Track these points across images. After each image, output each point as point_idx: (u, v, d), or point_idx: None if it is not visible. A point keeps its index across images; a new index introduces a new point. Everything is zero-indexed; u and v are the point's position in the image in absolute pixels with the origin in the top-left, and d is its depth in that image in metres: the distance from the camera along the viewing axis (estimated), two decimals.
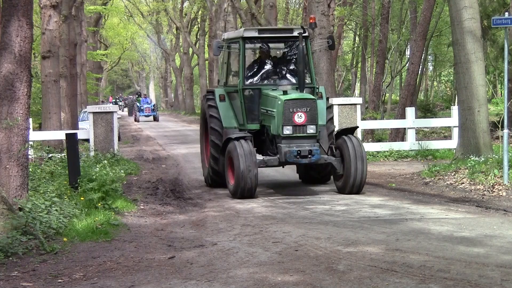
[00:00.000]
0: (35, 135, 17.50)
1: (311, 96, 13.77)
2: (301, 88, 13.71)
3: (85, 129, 19.86)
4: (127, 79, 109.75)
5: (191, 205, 13.06)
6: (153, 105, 55.89)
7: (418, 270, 7.70)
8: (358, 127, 15.90)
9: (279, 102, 13.42)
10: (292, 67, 14.78)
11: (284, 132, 13.38)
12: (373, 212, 11.62)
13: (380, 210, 11.84)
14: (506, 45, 14.02)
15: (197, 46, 59.18)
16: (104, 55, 51.06)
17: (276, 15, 34.15)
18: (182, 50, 64.66)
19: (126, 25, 66.12)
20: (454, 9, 15.43)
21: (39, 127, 22.54)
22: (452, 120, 19.43)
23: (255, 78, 14.72)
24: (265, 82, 14.69)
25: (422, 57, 30.03)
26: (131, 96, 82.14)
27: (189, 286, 7.37)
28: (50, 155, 16.12)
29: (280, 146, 13.47)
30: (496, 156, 14.43)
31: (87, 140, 19.31)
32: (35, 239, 9.05)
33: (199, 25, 60.93)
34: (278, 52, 15.56)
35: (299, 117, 13.36)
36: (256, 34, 14.62)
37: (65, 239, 9.48)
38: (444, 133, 29.07)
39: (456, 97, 20.68)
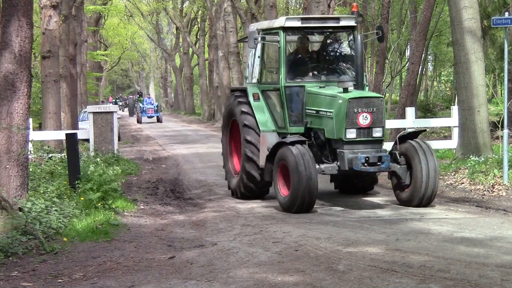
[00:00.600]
0: (35, 135, 17.50)
1: (378, 95, 12.36)
2: (359, 85, 12.14)
3: (85, 129, 19.86)
4: (127, 79, 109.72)
5: (191, 205, 13.06)
6: (156, 106, 53.72)
7: (418, 270, 7.70)
8: (425, 130, 14.26)
9: (340, 101, 11.75)
10: (340, 61, 13.39)
11: (347, 136, 11.70)
12: (373, 212, 11.62)
13: (380, 210, 11.84)
14: (506, 45, 14.01)
15: (197, 46, 59.18)
16: (104, 55, 51.03)
17: (276, 15, 34.11)
18: (182, 50, 64.66)
19: (126, 25, 66.14)
20: (454, 9, 15.43)
21: (39, 127, 22.53)
22: (452, 120, 19.42)
23: (299, 74, 12.96)
24: (310, 78, 12.96)
25: (422, 57, 30.03)
26: (132, 96, 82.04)
27: (189, 286, 7.37)
28: (50, 155, 16.11)
29: (342, 152, 11.75)
30: (496, 156, 14.43)
31: (87, 140, 19.30)
32: (35, 239, 9.05)
33: (199, 25, 60.92)
34: (323, 44, 13.69)
35: (364, 119, 11.71)
36: (299, 24, 12.87)
37: (65, 239, 9.48)
38: (444, 133, 29.05)
39: (456, 97, 20.68)
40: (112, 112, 18.96)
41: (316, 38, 13.62)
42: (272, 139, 12.74)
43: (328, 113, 12.03)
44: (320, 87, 12.59)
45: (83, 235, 9.82)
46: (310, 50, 13.43)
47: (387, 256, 8.39)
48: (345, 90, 11.90)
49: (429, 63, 53.64)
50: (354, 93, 11.87)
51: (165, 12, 61.08)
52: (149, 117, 52.36)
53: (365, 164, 11.56)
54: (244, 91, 13.43)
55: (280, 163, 11.93)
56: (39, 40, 21.16)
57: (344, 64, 13.29)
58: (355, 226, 10.41)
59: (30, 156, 13.07)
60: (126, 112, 75.26)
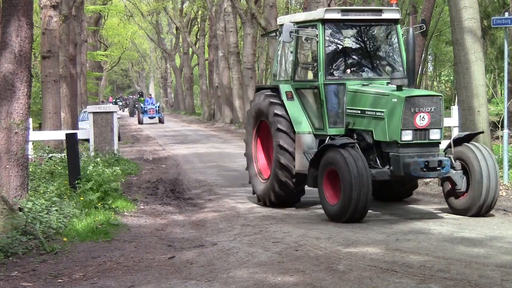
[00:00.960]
0: (35, 135, 17.50)
1: (436, 93, 11.36)
2: (411, 83, 11.08)
3: (85, 129, 19.86)
4: (127, 79, 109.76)
5: (191, 205, 13.06)
6: (158, 106, 51.71)
7: (418, 270, 7.69)
8: (483, 132, 13.15)
9: (394, 100, 10.77)
10: (383, 56, 12.48)
11: (403, 138, 10.68)
12: (373, 212, 11.61)
13: (380, 210, 11.84)
14: (506, 45, 14.02)
15: (197, 46, 59.19)
16: (104, 55, 51.00)
17: (276, 15, 34.12)
18: (182, 50, 64.68)
19: (126, 25, 66.15)
20: (454, 9, 15.41)
21: (39, 127, 22.53)
22: (452, 120, 19.40)
23: (338, 71, 12.07)
24: (350, 75, 12.03)
25: (422, 57, 30.02)
26: (132, 96, 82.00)
27: (189, 286, 7.37)
28: (50, 155, 16.12)
29: (396, 156, 10.76)
30: (496, 156, 14.42)
31: (87, 140, 19.30)
32: (35, 239, 9.05)
33: (199, 25, 60.93)
34: (364, 38, 12.65)
35: (422, 119, 10.73)
36: (339, 16, 11.90)
37: (65, 239, 9.48)
38: (444, 133, 29.07)
39: (456, 97, 20.66)
40: (112, 112, 18.96)
41: (357, 31, 12.46)
42: (308, 141, 11.90)
43: (378, 113, 11.07)
44: (363, 84, 11.69)
45: (83, 235, 9.82)
46: (350, 45, 12.40)
47: (387, 256, 8.39)
48: (399, 88, 10.90)
49: (429, 63, 53.66)
50: (410, 91, 10.89)
51: (165, 12, 61.09)
52: (150, 117, 50.74)
53: (424, 169, 10.60)
54: (275, 90, 12.45)
55: (328, 168, 10.90)
56: (39, 40, 21.17)
57: (387, 60, 12.40)
58: (355, 226, 10.40)
59: (30, 156, 13.06)
60: (126, 112, 75.24)
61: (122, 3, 60.40)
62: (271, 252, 8.79)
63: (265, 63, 61.35)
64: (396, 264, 7.98)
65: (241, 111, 39.47)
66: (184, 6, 61.34)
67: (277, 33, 13.16)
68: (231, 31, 40.91)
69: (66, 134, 13.59)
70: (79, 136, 15.70)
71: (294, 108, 12.13)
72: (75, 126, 22.25)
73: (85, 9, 36.84)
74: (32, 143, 16.73)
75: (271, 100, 12.24)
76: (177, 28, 63.91)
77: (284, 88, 12.28)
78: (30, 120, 12.07)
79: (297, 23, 12.13)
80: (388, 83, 11.56)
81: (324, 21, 11.81)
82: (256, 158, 13.09)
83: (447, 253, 8.53)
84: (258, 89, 13.18)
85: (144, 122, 49.91)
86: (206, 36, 56.91)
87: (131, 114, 66.55)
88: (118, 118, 21.08)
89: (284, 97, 12.16)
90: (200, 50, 57.89)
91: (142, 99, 58.37)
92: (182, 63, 65.86)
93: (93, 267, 8.24)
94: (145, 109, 51.17)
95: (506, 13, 14.26)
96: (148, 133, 37.86)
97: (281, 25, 12.31)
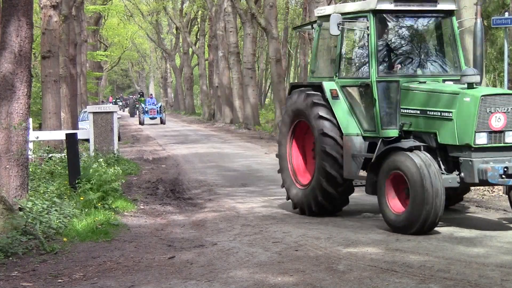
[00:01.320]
0: (35, 135, 17.49)
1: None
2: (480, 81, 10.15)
3: (85, 129, 19.87)
4: (127, 79, 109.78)
5: (191, 205, 13.06)
6: (160, 107, 49.95)
7: (418, 270, 7.70)
8: None
9: (467, 99, 9.71)
10: (439, 51, 11.48)
11: (477, 142, 9.61)
12: (373, 212, 11.61)
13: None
14: (506, 45, 14.00)
15: (197, 46, 59.21)
16: (104, 55, 51.00)
17: (276, 15, 34.18)
18: (182, 50, 64.70)
19: (126, 25, 66.19)
20: None
21: (39, 127, 22.54)
22: None
23: (391, 67, 11.11)
24: (403, 71, 11.07)
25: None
26: (132, 96, 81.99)
27: (189, 286, 7.37)
28: (50, 155, 16.12)
29: (469, 161, 9.65)
30: None
31: (87, 140, 19.31)
32: (35, 239, 9.05)
33: (199, 25, 60.95)
34: (418, 31, 11.70)
35: (497, 121, 9.64)
36: (392, 7, 10.86)
37: (65, 239, 9.48)
38: None
39: None
40: (112, 112, 18.96)
41: (410, 23, 11.52)
42: (357, 144, 10.90)
43: (445, 114, 9.99)
44: (420, 82, 10.73)
45: (83, 235, 9.82)
46: (402, 39, 11.50)
47: (387, 256, 8.39)
48: (470, 86, 9.87)
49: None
50: (485, 89, 9.95)
51: (165, 12, 61.11)
52: (151, 118, 49.03)
53: (503, 176, 9.48)
54: (317, 88, 11.34)
55: (392, 174, 9.86)
56: (39, 40, 21.17)
57: (442, 56, 11.42)
58: (355, 226, 10.41)
59: (30, 156, 13.06)
60: (126, 112, 75.20)
61: (122, 3, 60.40)
62: (271, 252, 8.79)
63: (265, 63, 61.39)
64: (396, 264, 7.98)
65: (241, 111, 39.48)
66: (184, 6, 61.36)
67: (314, 25, 12.24)
68: (231, 31, 40.92)
69: (66, 134, 13.60)
70: (79, 136, 15.70)
71: (340, 107, 11.08)
72: (75, 126, 22.25)
73: (85, 9, 36.85)
74: (33, 144, 16.74)
75: (314, 101, 11.15)
76: (177, 28, 63.93)
77: (328, 85, 11.18)
78: (30, 120, 12.07)
79: (343, 14, 10.98)
80: (444, 81, 10.81)
81: (375, 12, 10.75)
82: (291, 161, 12.07)
83: (447, 253, 8.53)
84: (294, 87, 12.05)
85: (145, 123, 48.60)
86: (206, 36, 56.90)
87: (132, 114, 66.42)
88: (118, 118, 21.09)
89: (328, 96, 11.10)
90: (200, 50, 57.91)
91: (142, 99, 57.29)
92: (182, 63, 65.88)
93: (93, 267, 8.24)
94: (146, 109, 49.68)
95: (506, 13, 14.25)
96: (148, 133, 37.87)
97: (320, 17, 11.62)
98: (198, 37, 60.73)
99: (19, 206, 9.74)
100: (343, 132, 10.97)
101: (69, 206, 10.92)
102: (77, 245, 9.36)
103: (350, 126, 11.00)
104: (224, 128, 40.05)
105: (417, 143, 9.97)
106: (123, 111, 79.34)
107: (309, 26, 13.30)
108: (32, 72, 11.65)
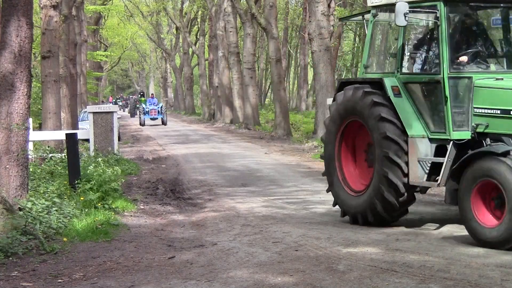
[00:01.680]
0: (35, 135, 17.50)
1: None
2: None
3: (85, 129, 19.88)
4: (127, 79, 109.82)
5: (191, 205, 13.06)
6: (161, 107, 48.41)
7: (418, 270, 7.70)
8: None
9: None
10: None
11: None
12: None
13: None
14: None
15: (197, 46, 59.23)
16: (104, 55, 51.01)
17: (276, 15, 34.19)
18: (182, 50, 64.73)
19: (126, 25, 66.22)
20: None
21: (39, 127, 22.54)
22: None
23: (464, 62, 9.94)
24: (476, 67, 9.98)
25: None
26: (132, 96, 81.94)
27: (189, 286, 7.37)
28: (50, 155, 16.13)
29: None
30: None
31: (87, 140, 19.32)
32: (35, 239, 9.05)
33: (199, 25, 60.96)
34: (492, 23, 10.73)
35: None
36: None
37: (65, 239, 9.48)
38: None
39: None
40: (112, 112, 18.97)
41: (483, 13, 10.65)
42: (423, 147, 9.88)
43: None
44: (497, 79, 9.71)
45: (83, 235, 9.82)
46: (475, 31, 10.41)
47: (387, 256, 8.39)
48: None
49: None
50: None
51: (165, 12, 61.14)
52: (152, 119, 47.71)
53: None
54: (376, 85, 10.30)
55: (481, 182, 8.78)
56: (39, 40, 21.18)
57: None
58: (355, 226, 10.40)
59: (30, 156, 13.07)
60: (126, 112, 75.17)
61: (122, 3, 60.44)
62: (271, 252, 8.79)
63: (265, 63, 61.40)
64: (396, 264, 7.98)
65: (241, 111, 39.49)
66: (184, 6, 61.39)
67: (367, 16, 11.17)
68: (231, 31, 40.93)
69: (66, 134, 13.60)
70: (79, 136, 15.70)
71: (403, 106, 10.01)
72: (75, 126, 22.25)
73: (85, 9, 36.87)
74: (33, 144, 16.74)
75: (375, 100, 10.04)
76: (177, 28, 63.95)
77: (389, 82, 10.15)
78: (30, 120, 12.08)
79: (410, 3, 9.81)
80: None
81: (446, 1, 9.75)
82: (339, 164, 10.98)
83: (447, 253, 8.53)
84: (343, 84, 10.94)
85: (146, 124, 47.21)
86: (206, 36, 56.92)
87: (132, 114, 66.22)
88: (118, 118, 21.10)
89: (390, 94, 10.03)
90: (200, 50, 57.93)
91: (143, 99, 55.80)
92: (182, 63, 65.91)
93: (93, 267, 8.24)
94: (147, 110, 48.21)
95: None
96: (148, 133, 37.88)
97: (375, 7, 10.74)
98: (198, 37, 60.76)
99: (19, 206, 9.74)
100: (407, 133, 9.88)
101: (69, 206, 10.93)
102: (77, 245, 9.36)
103: (415, 127, 9.92)
104: (224, 128, 40.06)
105: (510, 148, 8.87)
106: (123, 111, 79.32)
107: (359, 17, 12.12)
108: (32, 72, 11.66)
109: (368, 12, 11.14)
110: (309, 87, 54.33)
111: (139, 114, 49.39)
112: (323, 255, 8.52)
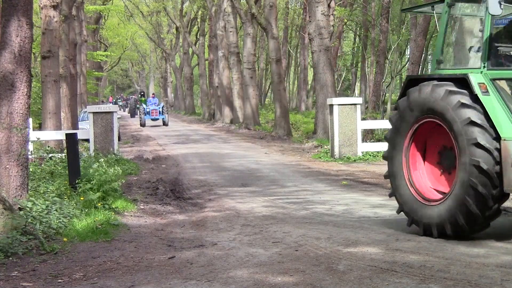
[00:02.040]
0: (35, 135, 17.50)
1: None
2: None
3: (85, 129, 19.89)
4: (127, 79, 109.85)
5: (191, 205, 13.06)
6: (162, 107, 47.44)
7: (418, 270, 7.69)
8: None
9: None
10: None
11: None
12: (373, 212, 11.62)
13: (380, 210, 11.83)
14: None
15: (197, 46, 59.26)
16: (104, 55, 51.03)
17: (276, 14, 34.18)
18: (182, 50, 64.74)
19: (126, 25, 66.25)
20: None
21: (39, 127, 22.55)
22: None
23: None
24: None
25: (422, 57, 30.04)
26: (133, 96, 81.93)
27: (189, 286, 7.37)
28: (50, 155, 16.13)
29: None
30: None
31: (87, 140, 19.33)
32: (35, 239, 9.05)
33: (199, 25, 61.00)
34: None
35: None
36: None
37: (65, 239, 9.48)
38: None
39: None
40: (112, 112, 18.99)
41: None
42: None
43: None
44: None
45: (83, 235, 9.82)
46: None
47: (387, 256, 8.39)
48: None
49: (429, 63, 53.67)
50: None
51: (165, 12, 61.16)
52: (153, 119, 47.00)
53: None
54: (457, 81, 9.12)
55: None
56: (39, 40, 21.19)
57: None
58: (355, 226, 10.41)
59: (30, 156, 13.07)
60: (126, 112, 75.17)
61: (122, 3, 60.45)
62: (271, 252, 8.79)
63: (265, 63, 61.40)
64: (396, 264, 7.98)
65: (241, 111, 39.51)
66: (184, 6, 61.41)
67: (441, 6, 10.10)
68: (231, 31, 40.95)
69: (66, 134, 13.59)
70: (79, 136, 15.71)
71: (493, 105, 8.83)
72: (75, 126, 22.26)
73: (85, 9, 36.88)
74: (33, 144, 16.74)
75: (462, 101, 8.85)
76: (177, 28, 63.98)
77: (476, 78, 8.94)
78: (30, 120, 12.08)
79: None
80: None
81: None
82: (408, 167, 9.81)
83: (447, 253, 8.53)
84: (413, 80, 9.81)
85: (146, 125, 46.43)
86: (206, 36, 56.97)
87: (132, 114, 66.20)
88: (118, 118, 21.10)
89: (478, 92, 8.83)
90: (200, 50, 57.96)
91: (143, 99, 54.68)
92: (182, 63, 65.94)
93: (93, 267, 8.24)
94: (148, 110, 47.39)
95: None
96: (148, 133, 37.88)
97: None
98: (198, 37, 60.80)
99: (19, 206, 9.74)
100: (500, 135, 8.69)
101: (69, 206, 10.93)
102: (77, 245, 9.36)
103: (508, 128, 8.71)
104: (224, 128, 40.07)
105: None
106: (124, 111, 79.33)
107: (428, 7, 10.71)
108: (32, 72, 11.66)
109: (438, 2, 10.15)
110: (309, 87, 54.38)
111: (140, 115, 48.40)
112: (323, 255, 8.52)
